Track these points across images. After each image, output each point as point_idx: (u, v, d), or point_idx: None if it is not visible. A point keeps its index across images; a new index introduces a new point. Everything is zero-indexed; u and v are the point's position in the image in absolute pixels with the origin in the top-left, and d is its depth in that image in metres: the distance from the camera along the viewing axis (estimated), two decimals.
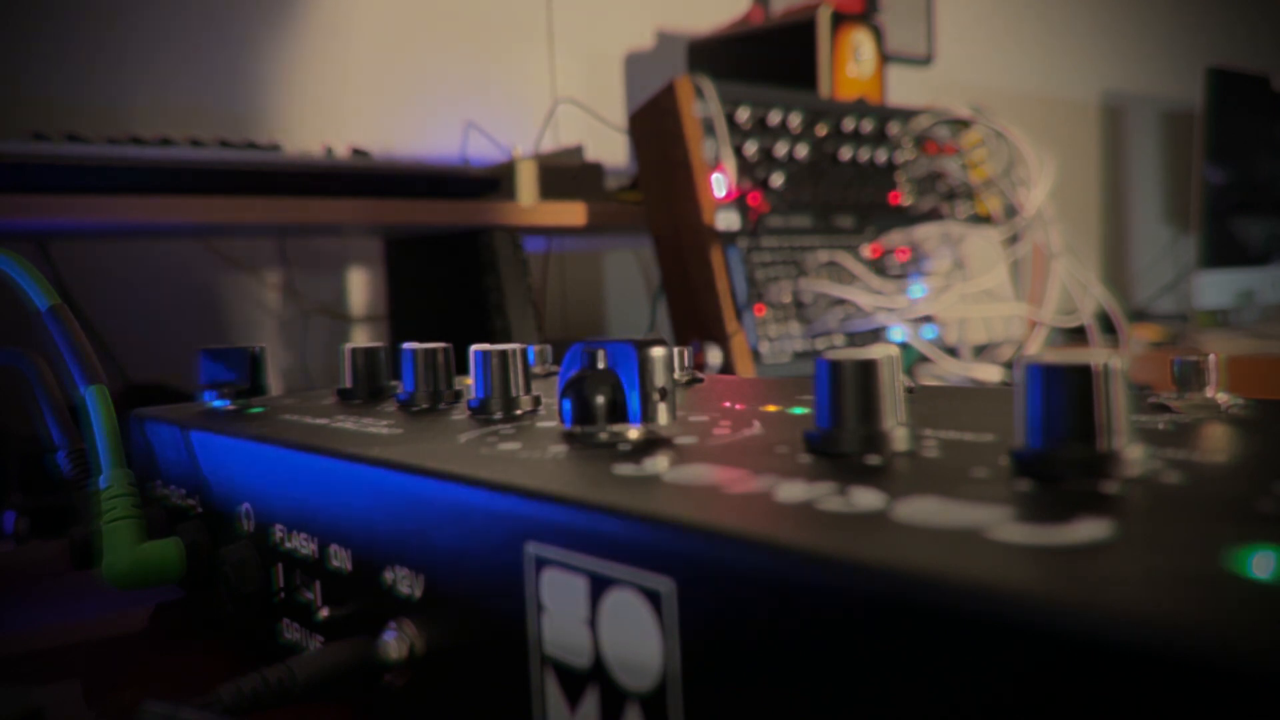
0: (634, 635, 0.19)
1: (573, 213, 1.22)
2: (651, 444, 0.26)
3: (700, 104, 1.06)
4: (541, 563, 0.21)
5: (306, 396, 0.43)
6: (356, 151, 1.16)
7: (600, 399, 0.27)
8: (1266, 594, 0.13)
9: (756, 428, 0.28)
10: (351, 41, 1.45)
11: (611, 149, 1.57)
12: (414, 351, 0.37)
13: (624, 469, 0.23)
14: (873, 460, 0.22)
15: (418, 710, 0.25)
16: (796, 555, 0.16)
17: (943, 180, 1.25)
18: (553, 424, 0.30)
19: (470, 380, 0.34)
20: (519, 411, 0.33)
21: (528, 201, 1.19)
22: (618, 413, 0.27)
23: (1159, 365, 1.40)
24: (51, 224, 0.99)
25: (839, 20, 1.39)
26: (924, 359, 1.07)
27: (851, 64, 1.40)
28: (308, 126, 1.39)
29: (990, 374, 1.08)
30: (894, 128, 1.22)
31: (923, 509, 0.18)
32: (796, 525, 0.17)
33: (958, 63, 2.12)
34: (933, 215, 1.23)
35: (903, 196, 1.22)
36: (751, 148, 1.09)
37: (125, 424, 0.39)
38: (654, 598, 0.18)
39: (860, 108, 1.22)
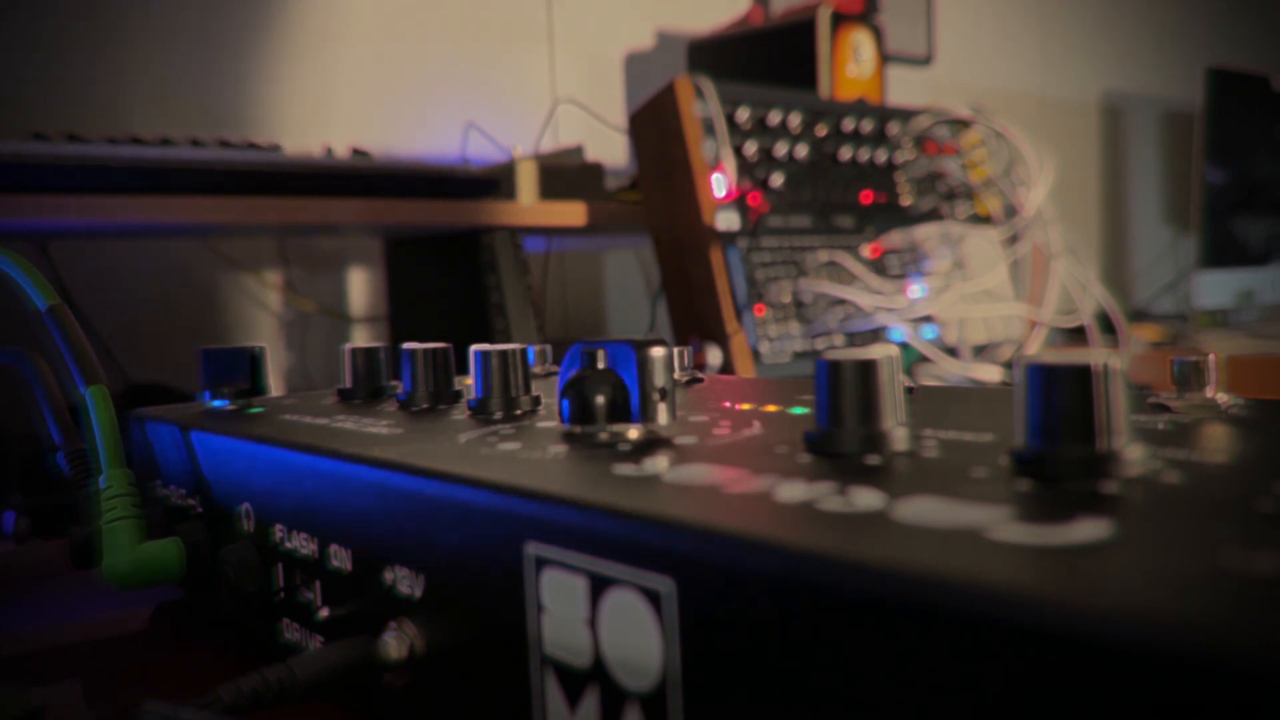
0: (634, 635, 0.19)
1: (573, 213, 1.22)
2: (651, 444, 0.26)
3: (700, 104, 1.06)
4: (541, 563, 0.21)
5: (306, 396, 0.43)
6: (356, 151, 1.16)
7: (600, 399, 0.27)
8: (1266, 594, 0.13)
9: (756, 428, 0.28)
10: (352, 42, 1.45)
11: (611, 149, 1.57)
12: (414, 351, 0.37)
13: (624, 469, 0.23)
14: (873, 460, 0.22)
15: (418, 710, 0.25)
16: (796, 555, 0.16)
17: (943, 180, 1.25)
18: (553, 424, 0.30)
19: (470, 380, 0.34)
20: (519, 411, 0.33)
21: (528, 201, 1.19)
22: (618, 413, 0.27)
23: (1159, 365, 1.40)
24: (51, 224, 0.99)
25: (839, 20, 1.39)
26: (924, 359, 1.07)
27: (851, 64, 1.40)
28: (308, 126, 1.39)
29: (990, 374, 1.08)
30: (894, 128, 1.22)
31: (922, 509, 0.18)
32: (796, 525, 0.17)
33: (958, 63, 2.12)
34: (933, 215, 1.23)
35: (902, 196, 1.22)
36: (751, 148, 1.09)
37: (125, 424, 0.39)
38: (654, 598, 0.18)
39: (860, 108, 1.22)
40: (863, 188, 1.16)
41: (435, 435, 0.30)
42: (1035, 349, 1.16)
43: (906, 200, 1.22)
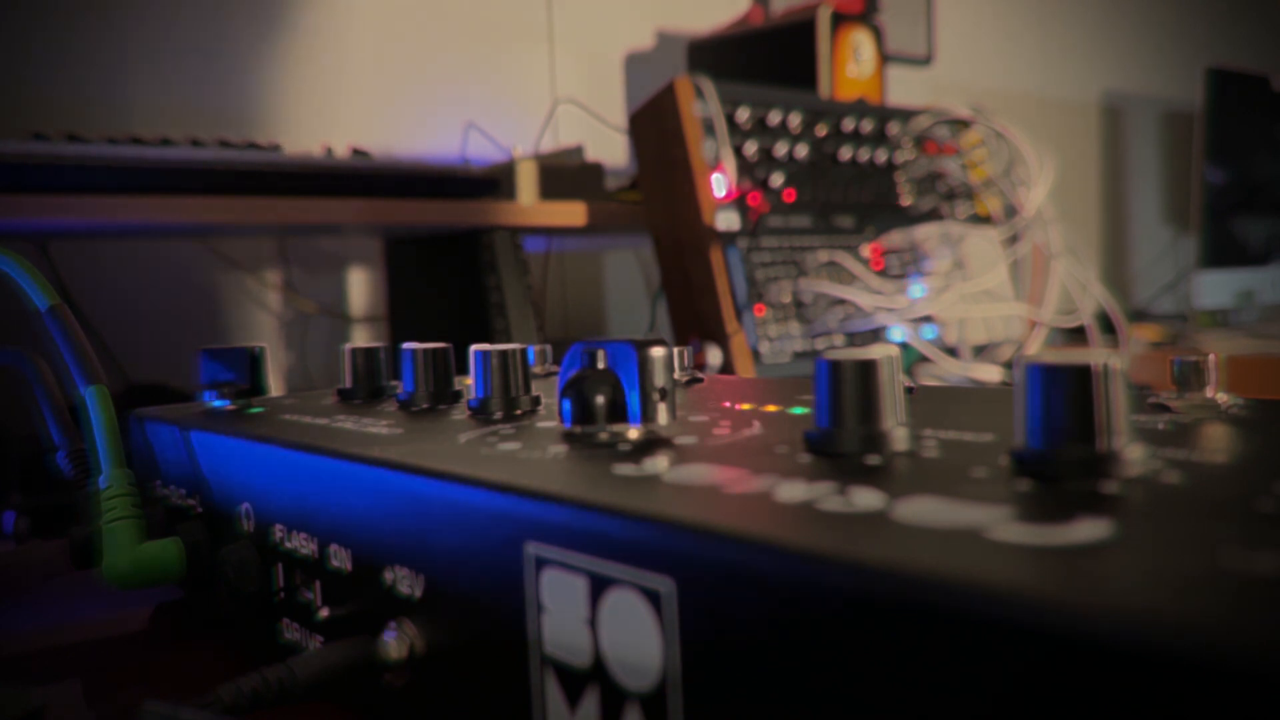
0: (634, 635, 0.19)
1: (573, 213, 1.22)
2: (651, 444, 0.26)
3: (700, 104, 1.05)
4: (541, 563, 0.21)
5: (306, 396, 0.43)
6: (356, 151, 1.16)
7: (600, 399, 0.27)
8: (1266, 594, 0.13)
9: (756, 428, 0.28)
10: (352, 42, 1.45)
11: (611, 149, 1.57)
12: (414, 351, 0.37)
13: (624, 469, 0.23)
14: (873, 460, 0.22)
15: (418, 710, 0.25)
16: (796, 555, 0.16)
17: (943, 180, 1.25)
18: (553, 424, 0.30)
19: (470, 380, 0.34)
20: (519, 411, 0.33)
21: (528, 201, 1.19)
22: (618, 413, 0.27)
23: (1159, 365, 1.40)
24: (51, 224, 0.99)
25: (839, 20, 1.39)
26: (924, 359, 1.07)
27: (851, 64, 1.40)
28: (308, 126, 1.39)
29: (990, 374, 1.08)
30: (894, 128, 1.22)
31: (923, 509, 0.18)
32: (796, 525, 0.17)
33: (958, 63, 2.12)
34: (933, 215, 1.23)
35: (903, 196, 1.22)
36: (751, 148, 1.09)
37: (125, 424, 0.39)
38: (654, 598, 0.18)
39: (860, 108, 1.22)
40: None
41: (435, 435, 0.30)
42: (1035, 349, 1.16)
43: (906, 200, 1.22)
